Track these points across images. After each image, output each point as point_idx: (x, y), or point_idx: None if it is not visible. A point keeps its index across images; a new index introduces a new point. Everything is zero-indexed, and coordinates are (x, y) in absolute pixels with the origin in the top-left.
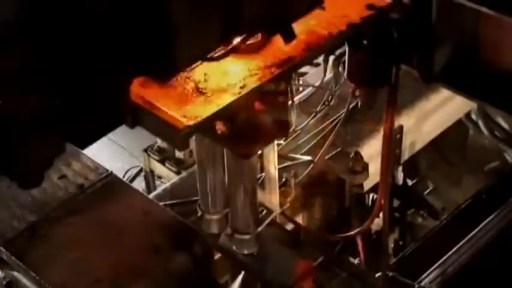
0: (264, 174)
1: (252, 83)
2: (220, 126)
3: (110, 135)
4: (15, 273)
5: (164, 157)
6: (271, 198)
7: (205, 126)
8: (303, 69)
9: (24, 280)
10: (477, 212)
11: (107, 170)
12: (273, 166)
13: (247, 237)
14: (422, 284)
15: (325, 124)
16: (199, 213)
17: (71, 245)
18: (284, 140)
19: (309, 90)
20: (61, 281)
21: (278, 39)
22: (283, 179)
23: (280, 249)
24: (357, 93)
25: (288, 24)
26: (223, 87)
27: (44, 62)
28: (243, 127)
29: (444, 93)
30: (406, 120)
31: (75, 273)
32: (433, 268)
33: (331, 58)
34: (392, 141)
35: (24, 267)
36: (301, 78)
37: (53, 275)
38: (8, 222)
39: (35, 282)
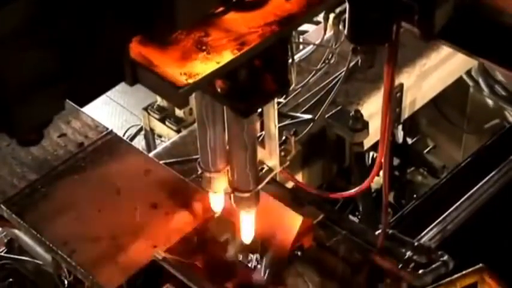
0: (264, 132)
1: (253, 40)
2: (220, 84)
3: (110, 93)
4: (16, 231)
5: (164, 115)
6: (271, 156)
7: (205, 84)
8: (304, 27)
9: (25, 238)
10: (477, 170)
11: (107, 128)
12: (273, 124)
13: (247, 195)
14: (422, 241)
15: (325, 82)
16: (200, 172)
17: (71, 203)
18: (284, 98)
19: (309, 48)
20: (61, 239)
21: None
22: (284, 137)
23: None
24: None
25: None
26: (223, 45)
27: (43, 19)
28: (243, 85)
29: (445, 51)
30: (406, 78)
31: (75, 231)
32: (432, 226)
33: (332, 16)
34: (393, 100)
35: (25, 225)
36: (301, 36)
37: (53, 233)
38: (8, 180)
39: (36, 240)
